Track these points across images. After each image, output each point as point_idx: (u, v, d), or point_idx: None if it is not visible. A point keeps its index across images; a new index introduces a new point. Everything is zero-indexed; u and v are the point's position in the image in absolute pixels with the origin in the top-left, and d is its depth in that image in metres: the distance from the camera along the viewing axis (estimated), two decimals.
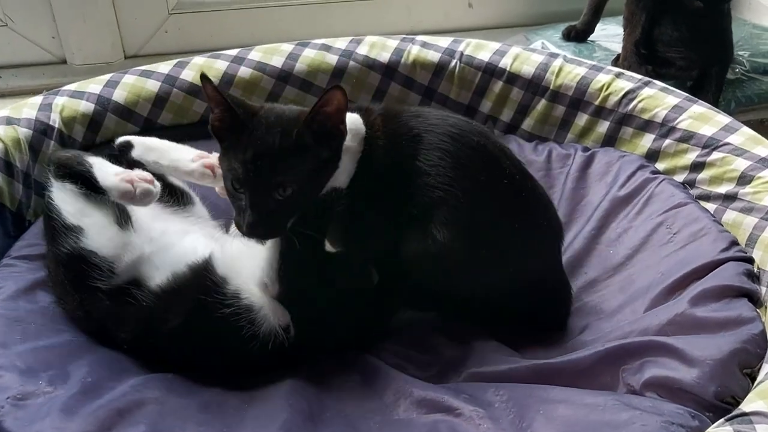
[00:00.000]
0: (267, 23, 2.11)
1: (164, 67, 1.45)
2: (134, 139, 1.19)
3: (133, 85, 1.41)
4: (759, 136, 1.28)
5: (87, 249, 1.05)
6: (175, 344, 1.05)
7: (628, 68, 1.80)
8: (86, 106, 1.37)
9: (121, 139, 1.20)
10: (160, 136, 1.22)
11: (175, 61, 1.47)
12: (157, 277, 1.06)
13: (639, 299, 1.16)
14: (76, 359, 1.03)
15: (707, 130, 1.30)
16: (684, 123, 1.33)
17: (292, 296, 1.05)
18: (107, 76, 1.43)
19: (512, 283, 1.11)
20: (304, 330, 1.05)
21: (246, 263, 1.07)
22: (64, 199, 1.08)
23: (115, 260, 1.06)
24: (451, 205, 1.06)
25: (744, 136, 1.27)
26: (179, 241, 1.11)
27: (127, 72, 1.44)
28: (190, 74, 1.44)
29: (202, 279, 1.05)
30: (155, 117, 1.43)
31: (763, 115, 1.93)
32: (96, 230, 1.06)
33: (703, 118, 1.32)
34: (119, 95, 1.40)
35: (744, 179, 1.22)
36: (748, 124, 1.86)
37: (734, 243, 1.16)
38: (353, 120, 1.07)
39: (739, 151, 1.25)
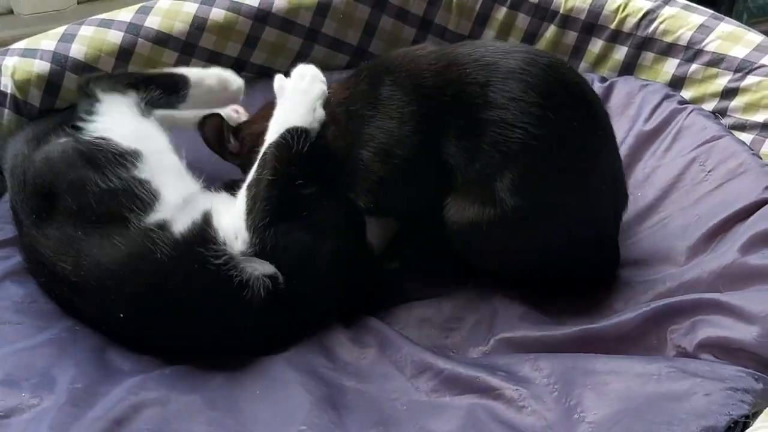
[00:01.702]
0: None
1: (125, 14, 1.28)
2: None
3: (92, 38, 1.23)
4: None
5: (138, 178, 0.95)
6: (178, 306, 0.94)
7: None
8: (41, 66, 1.19)
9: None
10: None
11: (137, 7, 1.29)
12: (181, 222, 0.95)
13: (676, 246, 1.06)
14: (60, 360, 0.92)
15: (739, 52, 1.18)
16: (712, 45, 1.20)
17: (265, 247, 0.97)
18: (61, 29, 1.24)
19: (569, 247, 1.00)
20: (294, 279, 0.97)
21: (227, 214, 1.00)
22: (118, 118, 0.98)
23: (163, 194, 0.96)
24: (534, 155, 0.93)
25: None
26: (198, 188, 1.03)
27: (84, 22, 1.26)
28: (156, 20, 1.27)
29: (203, 231, 0.96)
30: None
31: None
32: (157, 157, 0.96)
33: (733, 38, 1.19)
34: (77, 50, 1.22)
35: None
36: None
37: None
38: None
39: None
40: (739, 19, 1.71)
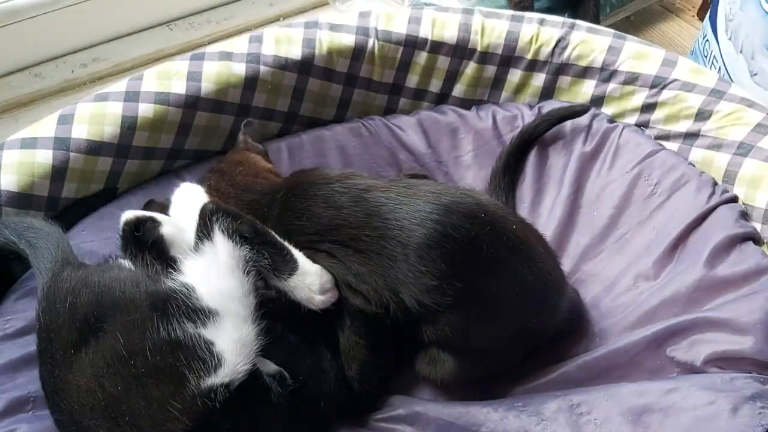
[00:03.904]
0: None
1: (45, 126, 1.18)
2: (161, 216, 1.02)
3: (20, 162, 1.13)
4: (698, 65, 1.30)
5: (204, 338, 0.86)
6: None
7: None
8: None
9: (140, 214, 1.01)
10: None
11: (56, 115, 1.19)
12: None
13: (641, 261, 1.18)
14: None
15: (650, 68, 1.29)
16: (625, 65, 1.31)
17: None
18: None
19: (523, 335, 1.04)
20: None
21: None
22: (215, 269, 0.90)
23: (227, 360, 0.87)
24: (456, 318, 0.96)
25: (685, 67, 1.28)
26: None
27: (3, 146, 1.15)
28: (83, 129, 1.18)
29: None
30: (58, 193, 1.17)
31: (628, 12, 1.99)
32: (232, 323, 0.88)
33: (642, 56, 1.31)
34: (8, 181, 1.12)
35: (702, 115, 1.24)
36: (618, 25, 1.92)
37: (715, 184, 1.20)
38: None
39: (688, 86, 1.26)
40: (603, 12, 1.86)
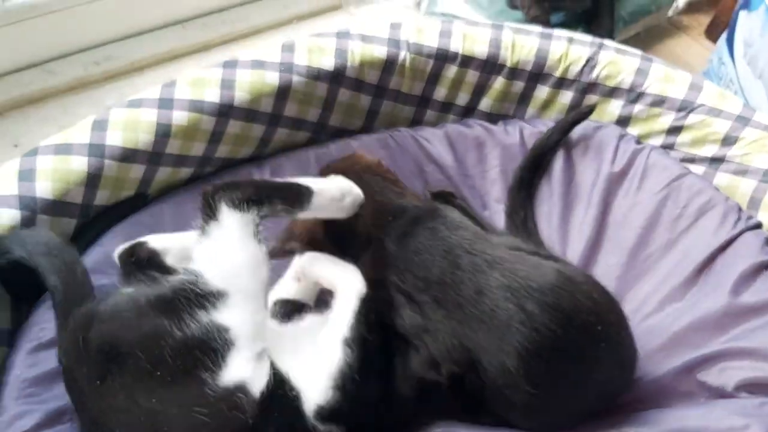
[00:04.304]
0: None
1: (79, 132, 1.16)
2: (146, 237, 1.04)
3: (54, 169, 1.11)
4: (723, 90, 1.33)
5: (216, 323, 0.86)
6: None
7: (528, 8, 1.77)
8: (10, 216, 1.06)
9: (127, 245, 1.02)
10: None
11: (90, 121, 1.18)
12: (258, 382, 0.88)
13: (667, 283, 1.20)
14: None
15: (677, 92, 1.32)
16: (652, 88, 1.34)
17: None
18: (12, 167, 1.12)
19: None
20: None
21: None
22: (223, 247, 0.89)
23: (237, 346, 0.87)
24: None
25: (712, 92, 1.31)
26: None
27: (37, 152, 1.13)
28: (117, 136, 1.17)
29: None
30: (91, 200, 1.16)
31: (638, 28, 2.02)
32: (242, 300, 0.88)
33: (669, 79, 1.33)
34: (44, 188, 1.10)
35: (728, 140, 1.27)
36: (628, 41, 1.95)
37: (740, 210, 1.23)
38: None
39: (715, 112, 1.29)
40: (616, 27, 1.89)
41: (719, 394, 1.04)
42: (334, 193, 1.00)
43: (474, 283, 0.97)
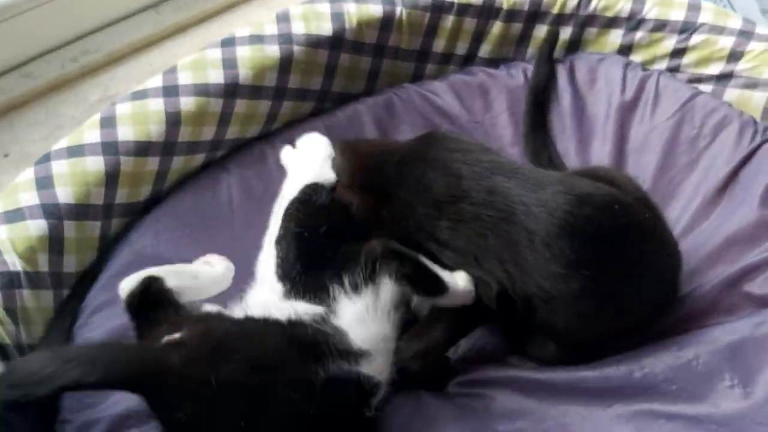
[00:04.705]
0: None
1: (88, 132, 1.12)
2: (156, 271, 0.93)
3: (71, 173, 1.08)
4: (721, 8, 1.33)
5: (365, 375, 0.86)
6: None
7: None
8: (36, 226, 1.03)
9: (139, 278, 0.92)
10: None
11: (96, 119, 1.14)
12: None
13: (693, 203, 1.21)
14: None
15: (677, 15, 1.32)
16: (652, 13, 1.34)
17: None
18: (28, 175, 1.08)
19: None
20: None
21: None
22: (372, 315, 0.89)
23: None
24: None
25: (710, 11, 1.31)
26: None
27: (49, 158, 1.09)
28: (128, 131, 1.14)
29: None
30: (112, 199, 1.13)
31: None
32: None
33: (667, 3, 1.33)
34: (64, 193, 1.07)
35: (734, 56, 1.27)
36: None
37: (755, 122, 1.24)
38: None
39: (717, 30, 1.29)
40: None
41: (765, 303, 1.06)
42: (465, 290, 0.98)
43: (482, 186, 0.98)
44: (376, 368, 0.87)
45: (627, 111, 1.31)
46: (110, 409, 0.98)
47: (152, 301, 0.91)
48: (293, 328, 0.85)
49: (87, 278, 1.09)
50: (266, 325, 0.85)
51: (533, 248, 0.94)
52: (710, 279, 1.10)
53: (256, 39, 1.25)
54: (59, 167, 1.08)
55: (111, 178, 1.11)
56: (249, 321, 0.86)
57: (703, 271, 1.12)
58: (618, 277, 0.96)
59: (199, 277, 0.96)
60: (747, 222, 1.13)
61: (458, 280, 0.98)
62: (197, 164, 1.24)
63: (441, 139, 1.08)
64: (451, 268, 1.00)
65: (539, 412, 1.01)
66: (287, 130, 1.32)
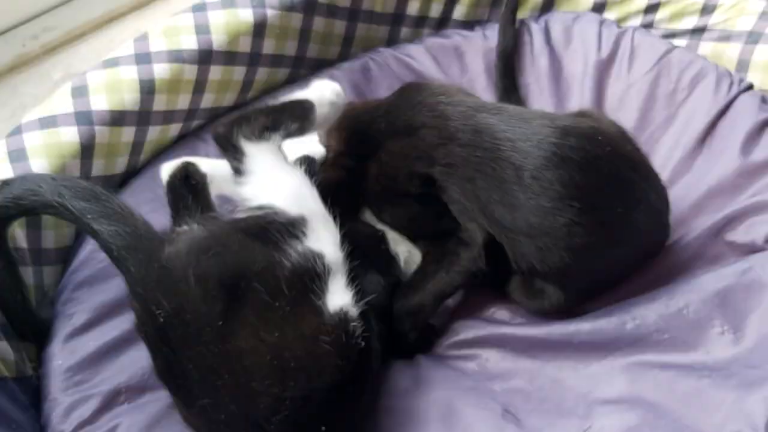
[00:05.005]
0: None
1: (59, 102, 1.08)
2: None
3: (45, 144, 1.04)
4: None
5: (313, 251, 0.84)
6: None
7: None
8: None
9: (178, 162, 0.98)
10: None
11: (68, 88, 1.10)
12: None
13: (673, 156, 1.22)
14: None
15: None
16: None
17: None
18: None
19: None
20: None
21: None
22: (272, 176, 0.87)
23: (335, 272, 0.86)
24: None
25: None
26: None
27: (21, 131, 1.05)
28: (101, 99, 1.10)
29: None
30: (89, 172, 1.09)
31: None
32: (320, 221, 0.87)
33: None
34: (38, 165, 1.03)
35: (707, 9, 1.29)
36: None
37: (731, 74, 1.25)
38: None
39: None
40: None
41: (750, 249, 1.07)
42: (331, 98, 0.98)
43: (468, 126, 0.98)
44: (323, 243, 0.85)
45: (604, 69, 1.31)
46: (101, 385, 0.96)
47: (191, 186, 0.95)
48: (246, 221, 0.85)
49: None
50: (233, 223, 0.86)
51: (521, 184, 0.93)
52: (695, 228, 1.11)
53: (228, 3, 1.22)
54: (32, 139, 1.04)
55: (86, 149, 1.08)
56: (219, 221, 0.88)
57: (688, 221, 1.14)
58: (608, 207, 0.95)
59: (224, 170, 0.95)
60: (728, 171, 1.14)
61: (315, 87, 0.98)
62: (173, 135, 1.21)
63: (423, 87, 1.07)
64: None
65: (533, 369, 1.02)
66: (262, 99, 1.30)
